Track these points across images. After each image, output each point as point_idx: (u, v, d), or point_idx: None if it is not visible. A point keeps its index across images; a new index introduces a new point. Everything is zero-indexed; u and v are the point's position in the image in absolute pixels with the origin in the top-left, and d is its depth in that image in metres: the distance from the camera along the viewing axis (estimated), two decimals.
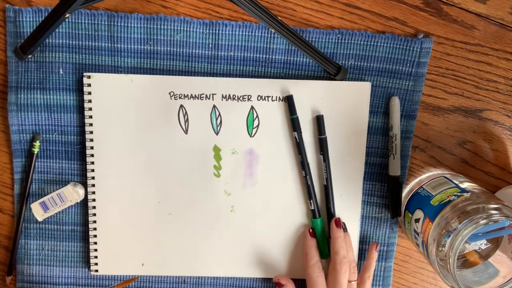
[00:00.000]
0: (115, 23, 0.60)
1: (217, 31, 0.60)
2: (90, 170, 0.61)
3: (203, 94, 0.60)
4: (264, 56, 0.61)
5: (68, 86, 0.61)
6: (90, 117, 0.61)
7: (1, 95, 0.62)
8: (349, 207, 0.62)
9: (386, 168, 0.62)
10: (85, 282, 0.64)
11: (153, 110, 0.61)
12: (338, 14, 0.61)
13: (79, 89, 0.61)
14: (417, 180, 0.63)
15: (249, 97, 0.61)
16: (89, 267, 0.63)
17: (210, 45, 0.60)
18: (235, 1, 0.50)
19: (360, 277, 0.60)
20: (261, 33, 0.60)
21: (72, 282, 0.64)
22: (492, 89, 0.62)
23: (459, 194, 0.55)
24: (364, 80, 0.61)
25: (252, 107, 0.61)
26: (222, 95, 0.61)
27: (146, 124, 0.61)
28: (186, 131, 0.61)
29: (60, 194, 0.61)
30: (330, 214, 0.62)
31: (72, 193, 0.61)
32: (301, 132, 0.60)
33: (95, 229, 0.62)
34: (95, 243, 0.62)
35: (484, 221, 0.50)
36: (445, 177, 0.60)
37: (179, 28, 0.60)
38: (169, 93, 0.60)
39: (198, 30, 0.60)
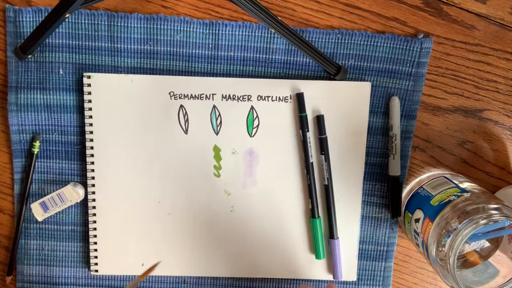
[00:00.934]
0: (115, 23, 0.60)
1: (217, 31, 0.60)
2: (90, 170, 0.61)
3: (203, 94, 0.61)
4: (264, 56, 0.61)
5: (68, 86, 0.61)
6: (90, 117, 0.61)
7: (1, 95, 0.62)
8: (349, 207, 0.62)
9: (386, 168, 0.62)
10: (85, 282, 0.64)
11: (153, 110, 0.61)
12: (338, 14, 0.61)
13: (79, 89, 0.61)
14: (417, 180, 0.63)
15: (249, 97, 0.61)
16: (89, 267, 0.63)
17: (210, 45, 0.60)
18: (235, 1, 0.50)
19: None
20: (261, 33, 0.60)
21: (72, 282, 0.64)
22: (492, 89, 0.62)
23: (459, 194, 0.55)
24: (364, 80, 0.61)
25: (252, 107, 0.61)
26: (222, 95, 0.61)
27: (146, 124, 0.61)
28: (186, 131, 0.61)
29: (60, 194, 0.61)
30: (330, 214, 0.62)
31: (72, 193, 0.61)
32: (308, 131, 0.60)
33: (95, 229, 0.62)
34: (95, 243, 0.62)
35: (484, 221, 0.50)
36: (445, 177, 0.60)
37: (179, 28, 0.60)
38: (169, 93, 0.60)
39: (198, 30, 0.60)
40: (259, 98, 0.61)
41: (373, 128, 0.62)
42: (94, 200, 0.62)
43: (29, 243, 0.63)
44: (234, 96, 0.61)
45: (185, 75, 0.61)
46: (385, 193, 0.63)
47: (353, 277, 0.64)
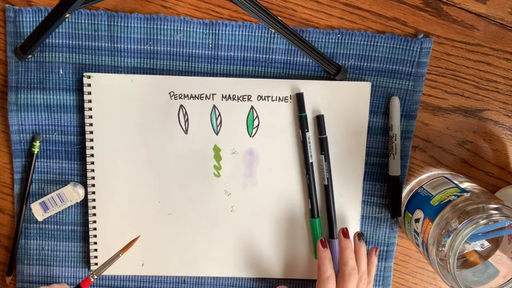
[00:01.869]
0: (115, 23, 0.60)
1: (217, 31, 0.60)
2: (90, 170, 0.61)
3: (203, 94, 0.61)
4: (264, 56, 0.61)
5: (68, 86, 0.61)
6: (90, 117, 0.61)
7: (1, 95, 0.62)
8: (349, 207, 0.62)
9: (386, 168, 0.62)
10: None
11: (153, 110, 0.61)
12: (338, 14, 0.61)
13: (79, 89, 0.61)
14: (417, 180, 0.63)
15: (249, 97, 0.61)
16: (89, 267, 0.63)
17: (210, 45, 0.60)
18: (235, 1, 0.50)
19: None
20: (261, 33, 0.60)
21: (72, 282, 0.64)
22: (492, 89, 0.62)
23: (459, 194, 0.55)
24: (364, 80, 0.61)
25: (252, 107, 0.61)
26: (222, 95, 0.61)
27: (146, 124, 0.61)
28: (186, 131, 0.61)
29: (60, 194, 0.61)
30: (330, 214, 0.62)
31: (72, 193, 0.61)
32: (307, 131, 0.60)
33: (95, 229, 0.62)
34: (95, 243, 0.62)
35: (484, 221, 0.50)
36: (445, 177, 0.60)
37: (179, 28, 0.60)
38: (169, 93, 0.60)
39: (198, 30, 0.60)
40: (259, 98, 0.61)
41: (373, 128, 0.62)
42: (94, 200, 0.62)
43: (29, 243, 0.63)
44: (234, 96, 0.61)
45: (185, 75, 0.61)
46: (385, 193, 0.63)
47: None
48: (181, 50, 0.60)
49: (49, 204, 0.62)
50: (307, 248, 0.63)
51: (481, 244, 0.58)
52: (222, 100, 0.61)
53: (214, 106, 0.61)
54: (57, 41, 0.60)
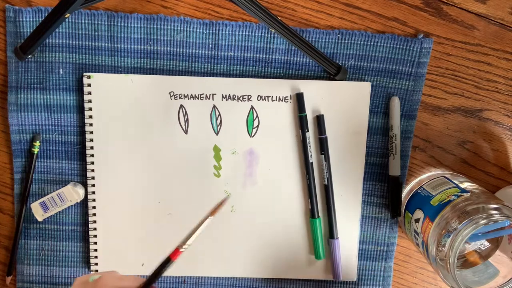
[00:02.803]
0: (115, 23, 0.60)
1: (217, 31, 0.60)
2: (90, 170, 0.61)
3: (203, 94, 0.61)
4: (264, 56, 0.61)
5: (68, 86, 0.61)
6: (90, 117, 0.61)
7: (1, 95, 0.62)
8: (349, 207, 0.62)
9: (386, 168, 0.62)
10: None
11: (153, 110, 0.61)
12: (338, 14, 0.61)
13: (79, 89, 0.61)
14: (417, 180, 0.63)
15: (249, 97, 0.61)
16: (89, 267, 0.63)
17: (210, 45, 0.60)
18: (235, 1, 0.50)
19: None
20: (261, 33, 0.60)
21: (72, 282, 0.64)
22: (492, 89, 0.62)
23: (459, 194, 0.55)
24: (364, 80, 0.61)
25: (252, 107, 0.61)
26: (222, 95, 0.61)
27: (146, 124, 0.61)
28: (186, 131, 0.61)
29: (60, 194, 0.61)
30: (330, 214, 0.62)
31: (72, 193, 0.61)
32: (307, 131, 0.60)
33: (95, 229, 0.62)
34: (95, 243, 0.62)
35: (484, 221, 0.50)
36: (445, 177, 0.60)
37: (179, 28, 0.60)
38: (169, 93, 0.60)
39: (198, 30, 0.60)
40: (259, 98, 0.61)
41: (373, 128, 0.62)
42: (94, 200, 0.62)
43: (29, 243, 0.63)
44: (234, 96, 0.61)
45: (185, 75, 0.61)
46: (385, 193, 0.63)
47: (353, 277, 0.64)
48: (181, 50, 0.60)
49: (49, 204, 0.62)
50: (307, 248, 0.63)
51: (481, 244, 0.58)
52: (222, 100, 0.61)
53: (214, 106, 0.61)
54: (57, 41, 0.60)
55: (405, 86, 0.61)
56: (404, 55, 0.60)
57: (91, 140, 0.61)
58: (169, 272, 0.63)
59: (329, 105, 0.61)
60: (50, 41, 0.60)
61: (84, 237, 0.63)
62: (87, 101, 0.60)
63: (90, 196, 0.62)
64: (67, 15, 0.52)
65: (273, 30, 0.54)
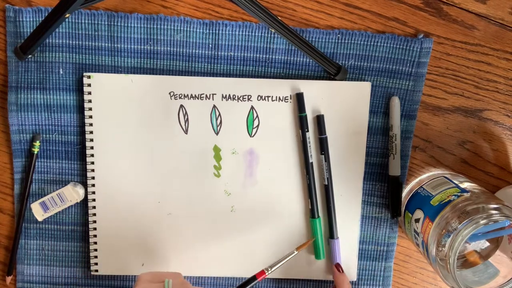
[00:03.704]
0: (115, 23, 0.60)
1: (217, 31, 0.60)
2: (90, 170, 0.61)
3: (203, 94, 0.61)
4: (264, 56, 0.61)
5: (68, 86, 0.61)
6: (90, 117, 0.61)
7: (1, 95, 0.62)
8: (349, 207, 0.62)
9: (386, 168, 0.62)
10: (85, 282, 0.64)
11: (153, 110, 0.61)
12: (338, 14, 0.61)
13: (79, 89, 0.61)
14: (417, 180, 0.63)
15: (249, 97, 0.61)
16: (89, 267, 0.63)
17: (210, 45, 0.60)
18: (235, 1, 0.50)
19: None
20: (261, 33, 0.60)
21: (72, 282, 0.64)
22: (492, 89, 0.62)
23: (459, 194, 0.55)
24: (364, 80, 0.61)
25: (252, 107, 0.61)
26: (222, 95, 0.61)
27: (146, 124, 0.61)
28: (186, 131, 0.61)
29: (60, 194, 0.61)
30: (330, 214, 0.62)
31: (72, 193, 0.61)
32: (307, 131, 0.60)
33: (95, 229, 0.62)
34: (95, 243, 0.62)
35: (484, 221, 0.50)
36: (445, 177, 0.60)
37: (179, 28, 0.60)
38: (169, 93, 0.60)
39: (198, 30, 0.60)
40: (259, 98, 0.61)
41: (373, 128, 0.62)
42: (94, 200, 0.62)
43: (29, 243, 0.63)
44: (234, 96, 0.61)
45: (185, 75, 0.61)
46: (385, 193, 0.63)
47: (353, 277, 0.64)
48: (181, 50, 0.60)
49: (49, 204, 0.62)
50: (307, 248, 0.63)
51: (481, 244, 0.58)
52: (222, 100, 0.61)
53: (214, 106, 0.61)
54: (57, 41, 0.60)
55: (405, 86, 0.61)
56: (404, 55, 0.60)
57: (91, 140, 0.61)
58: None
59: (329, 105, 0.61)
60: (50, 41, 0.60)
61: (84, 237, 0.63)
62: (87, 101, 0.60)
63: (90, 196, 0.62)
64: (67, 15, 0.52)
65: (273, 30, 0.54)
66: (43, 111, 0.61)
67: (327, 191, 0.61)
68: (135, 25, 0.60)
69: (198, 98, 0.61)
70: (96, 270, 0.63)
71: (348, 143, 0.61)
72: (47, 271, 0.64)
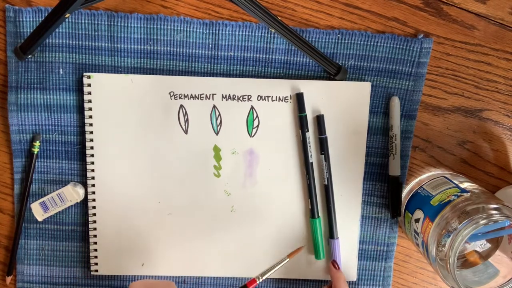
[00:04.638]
0: (115, 23, 0.60)
1: (217, 31, 0.60)
2: (90, 170, 0.61)
3: (203, 94, 0.61)
4: (264, 56, 0.61)
5: (68, 86, 0.61)
6: (90, 117, 0.61)
7: (1, 95, 0.62)
8: (349, 207, 0.62)
9: (386, 168, 0.62)
10: (85, 282, 0.64)
11: (153, 110, 0.61)
12: (338, 14, 0.61)
13: (79, 89, 0.61)
14: (417, 180, 0.63)
15: (249, 97, 0.61)
16: (89, 267, 0.63)
17: (210, 45, 0.60)
18: (235, 1, 0.50)
19: None
20: (261, 33, 0.60)
21: (72, 282, 0.64)
22: (492, 89, 0.62)
23: (459, 194, 0.55)
24: (364, 80, 0.61)
25: (252, 107, 0.61)
26: (222, 95, 0.61)
27: (146, 124, 0.61)
28: (186, 131, 0.61)
29: (60, 194, 0.61)
30: (330, 214, 0.62)
31: (72, 193, 0.61)
32: (307, 131, 0.60)
33: (95, 229, 0.62)
34: (95, 243, 0.62)
35: (484, 221, 0.50)
36: (445, 177, 0.60)
37: (179, 28, 0.60)
38: (169, 93, 0.60)
39: (198, 30, 0.60)
40: (259, 98, 0.61)
41: (373, 128, 0.62)
42: (94, 200, 0.62)
43: (29, 243, 0.63)
44: (234, 96, 0.61)
45: (185, 75, 0.61)
46: (385, 193, 0.63)
47: (353, 277, 0.64)
48: (181, 50, 0.60)
49: (49, 204, 0.62)
50: (307, 248, 0.63)
51: (481, 244, 0.58)
52: (222, 100, 0.61)
53: (214, 106, 0.61)
54: (57, 41, 0.60)
55: (405, 86, 0.61)
56: (404, 55, 0.60)
57: (91, 140, 0.61)
58: (169, 272, 0.63)
59: (329, 105, 0.61)
60: (50, 41, 0.60)
61: (84, 237, 0.63)
62: (87, 101, 0.60)
63: (90, 196, 0.62)
64: (67, 15, 0.52)
65: (273, 30, 0.54)
66: (43, 111, 0.61)
67: (327, 191, 0.61)
68: (135, 25, 0.60)
69: (198, 98, 0.61)
70: (96, 270, 0.63)
71: (348, 143, 0.61)
72: (47, 271, 0.64)
